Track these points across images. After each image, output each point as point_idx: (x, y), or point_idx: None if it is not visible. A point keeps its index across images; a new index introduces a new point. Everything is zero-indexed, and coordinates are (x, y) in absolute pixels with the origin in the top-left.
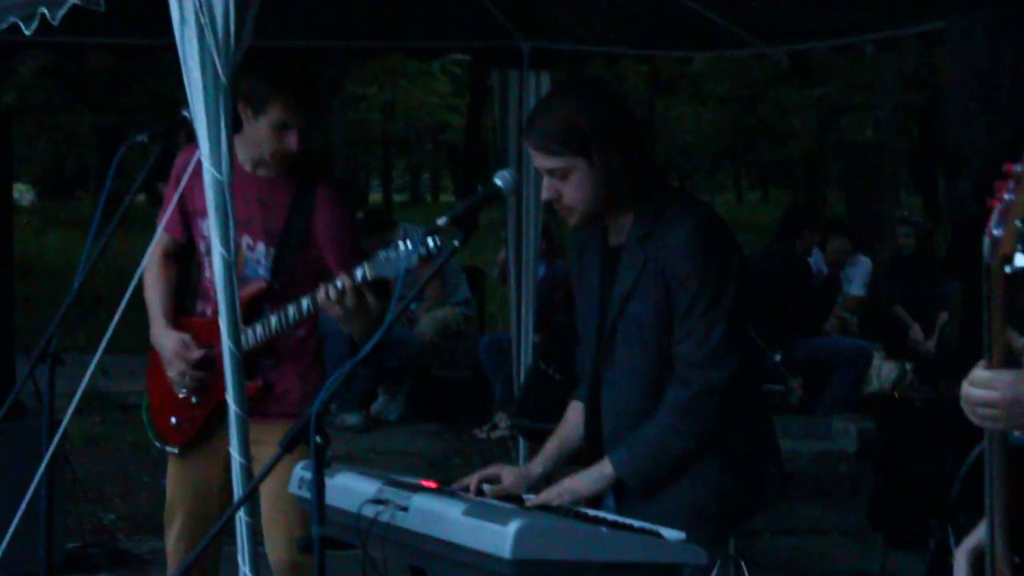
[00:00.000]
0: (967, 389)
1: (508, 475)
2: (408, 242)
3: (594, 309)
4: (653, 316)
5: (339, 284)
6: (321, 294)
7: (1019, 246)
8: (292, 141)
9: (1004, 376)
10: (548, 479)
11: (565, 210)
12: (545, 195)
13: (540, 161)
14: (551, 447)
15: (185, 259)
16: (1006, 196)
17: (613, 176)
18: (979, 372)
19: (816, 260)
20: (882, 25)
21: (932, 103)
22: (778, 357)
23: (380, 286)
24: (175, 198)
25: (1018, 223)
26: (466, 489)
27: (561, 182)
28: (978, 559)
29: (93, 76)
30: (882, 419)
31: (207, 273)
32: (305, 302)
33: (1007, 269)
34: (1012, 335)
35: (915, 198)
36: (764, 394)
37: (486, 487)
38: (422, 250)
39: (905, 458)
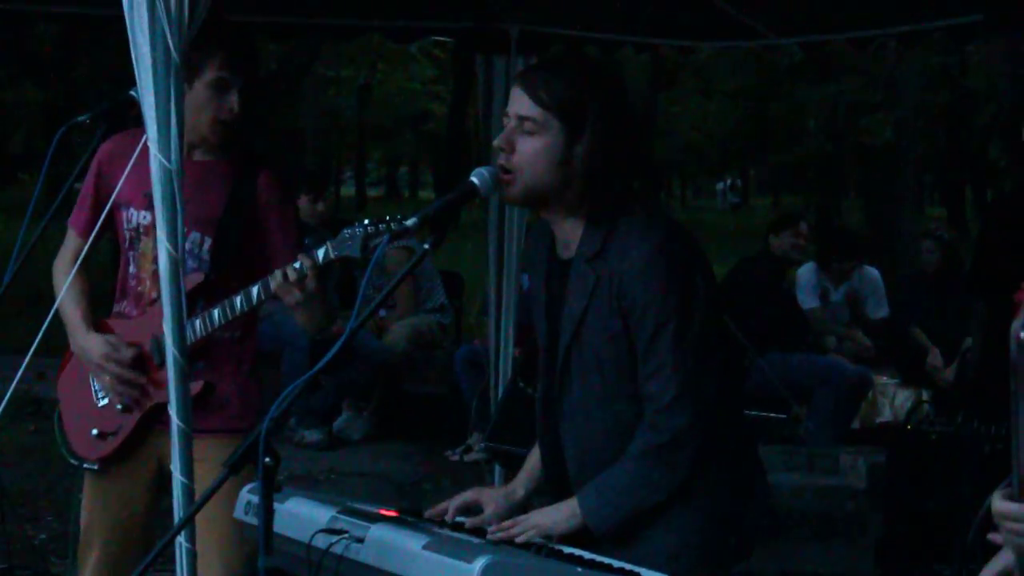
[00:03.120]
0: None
1: (489, 502)
2: (373, 220)
3: (543, 323)
4: (610, 348)
5: (299, 266)
6: (278, 278)
7: None
8: (233, 101)
9: None
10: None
11: (508, 173)
12: (498, 141)
13: (518, 106)
14: (533, 464)
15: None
16: None
17: (580, 165)
18: (1002, 506)
19: (814, 275)
20: (906, 18)
21: (960, 104)
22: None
23: (343, 277)
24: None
25: None
26: (442, 518)
27: (524, 137)
28: None
29: (40, 49)
30: (893, 453)
31: (131, 269)
32: (255, 289)
33: None
34: None
35: (939, 210)
36: (746, 423)
37: (465, 521)
38: (393, 225)
39: (917, 497)
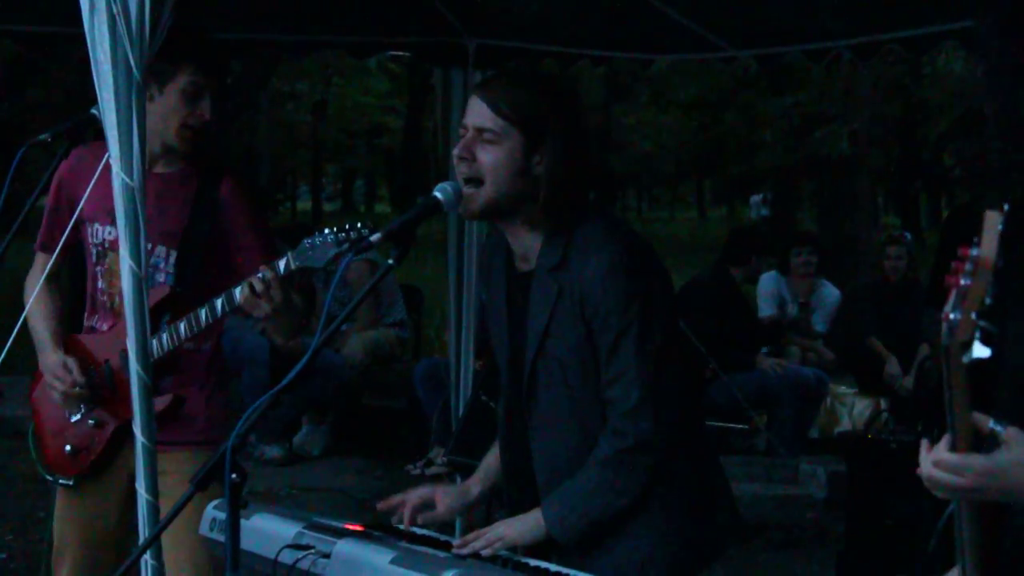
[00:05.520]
0: (931, 470)
1: (443, 499)
2: (334, 230)
3: (505, 337)
4: (575, 357)
5: (262, 276)
6: (244, 290)
7: (977, 335)
8: (206, 107)
9: (974, 463)
10: (488, 497)
11: (471, 182)
12: (457, 150)
13: (477, 117)
14: (489, 464)
15: (70, 273)
16: (962, 281)
17: (540, 176)
18: (945, 456)
19: (774, 284)
20: (861, 30)
21: (914, 114)
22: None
23: (303, 283)
24: (51, 210)
25: (973, 315)
26: (393, 511)
27: (483, 146)
28: None
29: None
30: (854, 462)
31: (99, 284)
32: (219, 301)
33: (965, 359)
34: (979, 417)
35: (894, 219)
36: (707, 431)
37: (428, 533)
38: (352, 234)
39: (878, 506)
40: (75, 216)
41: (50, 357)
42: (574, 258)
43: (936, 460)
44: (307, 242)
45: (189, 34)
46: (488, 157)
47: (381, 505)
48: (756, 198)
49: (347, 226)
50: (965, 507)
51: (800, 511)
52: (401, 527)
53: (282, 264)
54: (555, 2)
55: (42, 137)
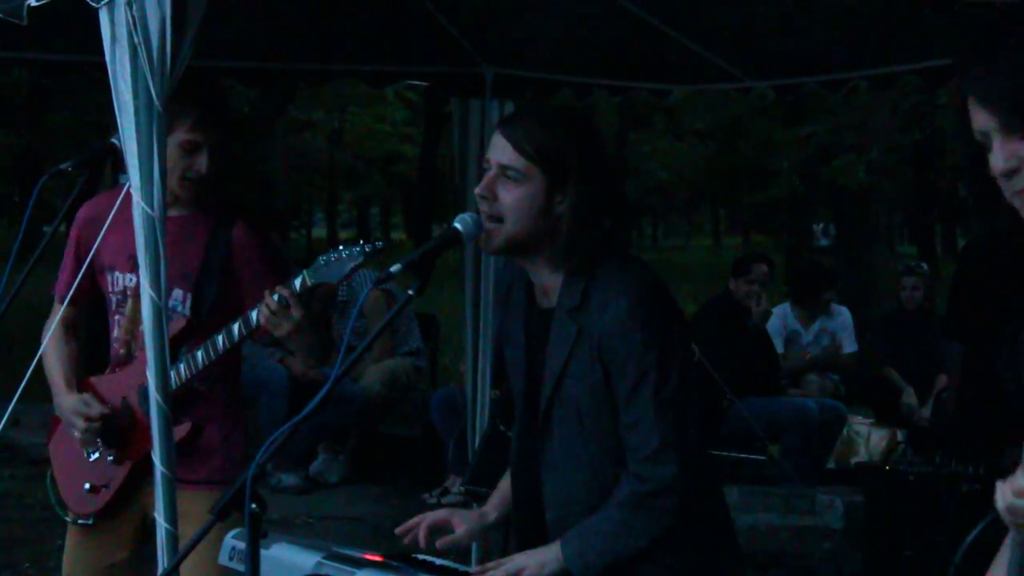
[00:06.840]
0: (1011, 500)
1: (460, 522)
2: (348, 244)
3: (521, 370)
4: (591, 398)
5: (277, 297)
6: (262, 311)
7: None
8: (202, 163)
9: None
10: (505, 522)
11: (492, 219)
12: (479, 189)
13: (501, 154)
14: (505, 489)
15: (89, 321)
16: None
17: (561, 216)
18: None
19: (779, 318)
20: (878, 61)
21: (929, 143)
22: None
23: (322, 295)
24: (72, 260)
25: None
26: (408, 535)
27: (506, 184)
28: None
29: (12, 94)
30: (871, 493)
31: (116, 332)
32: (236, 326)
33: None
34: None
35: (910, 248)
36: (712, 467)
37: (437, 545)
38: (367, 248)
39: (896, 537)
40: (96, 266)
41: (66, 399)
42: (594, 300)
43: (1017, 489)
44: (322, 259)
45: (188, 85)
46: (510, 197)
47: (400, 529)
48: (819, 226)
49: (360, 241)
50: None
51: (817, 542)
52: (420, 557)
53: (298, 281)
54: (573, 32)
55: (62, 166)
